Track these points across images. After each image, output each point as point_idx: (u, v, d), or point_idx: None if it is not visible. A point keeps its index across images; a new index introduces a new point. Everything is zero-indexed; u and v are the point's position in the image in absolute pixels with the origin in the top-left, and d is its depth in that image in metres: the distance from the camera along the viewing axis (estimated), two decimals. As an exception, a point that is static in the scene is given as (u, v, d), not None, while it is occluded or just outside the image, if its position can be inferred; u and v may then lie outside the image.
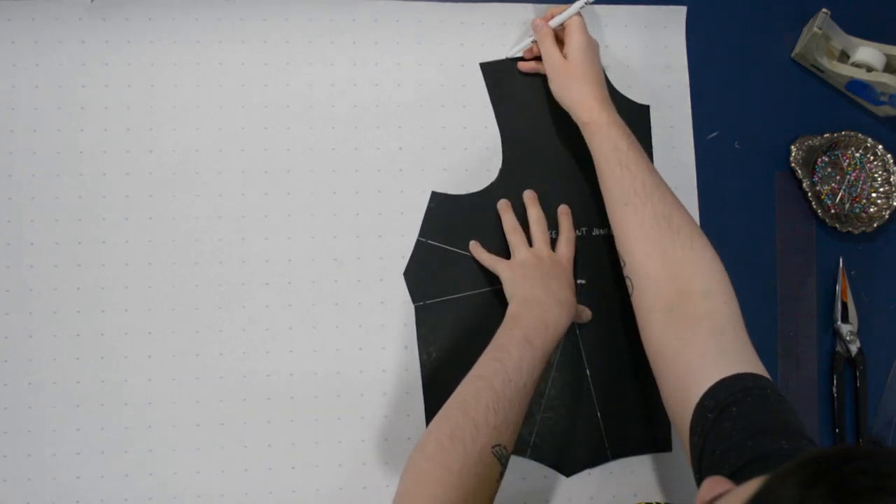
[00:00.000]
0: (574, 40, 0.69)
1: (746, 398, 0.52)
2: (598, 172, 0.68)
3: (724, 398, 0.52)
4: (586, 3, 0.70)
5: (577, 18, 0.70)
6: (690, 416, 0.54)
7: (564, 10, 0.70)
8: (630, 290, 0.64)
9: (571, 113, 0.70)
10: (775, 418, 0.51)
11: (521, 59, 0.75)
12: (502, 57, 0.76)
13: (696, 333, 0.57)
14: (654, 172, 0.65)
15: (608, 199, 0.67)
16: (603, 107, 0.67)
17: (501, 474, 0.56)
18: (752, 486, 0.33)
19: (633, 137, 0.66)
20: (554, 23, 0.71)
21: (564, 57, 0.69)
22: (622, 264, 0.65)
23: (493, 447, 0.55)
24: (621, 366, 0.73)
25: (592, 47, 0.70)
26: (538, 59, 0.73)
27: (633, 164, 0.64)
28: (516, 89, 0.75)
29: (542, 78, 0.75)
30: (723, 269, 0.61)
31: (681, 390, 0.56)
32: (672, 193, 0.64)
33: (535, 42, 0.73)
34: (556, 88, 0.71)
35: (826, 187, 0.79)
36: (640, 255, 0.62)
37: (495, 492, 0.56)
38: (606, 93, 0.69)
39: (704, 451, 0.52)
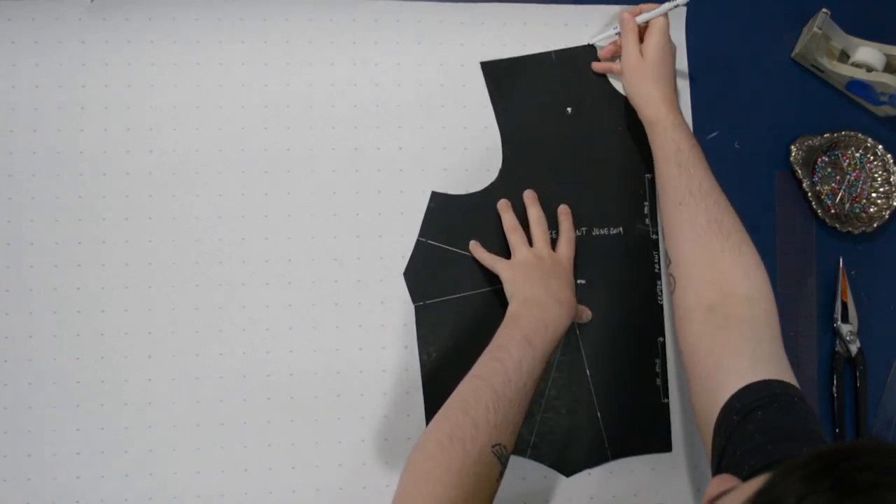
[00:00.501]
0: (654, 40, 0.70)
1: (773, 404, 0.52)
2: (656, 171, 0.70)
3: (752, 402, 0.53)
4: (675, 6, 0.70)
5: (661, 19, 0.71)
6: (716, 416, 0.54)
7: (653, 9, 0.71)
8: (671, 288, 0.65)
9: (638, 110, 0.71)
10: (799, 426, 0.52)
11: (601, 47, 0.76)
12: (584, 42, 0.76)
13: (732, 335, 0.58)
14: (711, 177, 0.66)
15: (663, 198, 0.68)
16: (670, 108, 0.69)
17: (501, 473, 0.56)
18: (757, 482, 0.33)
19: (695, 141, 0.68)
20: (640, 19, 0.72)
21: (641, 55, 0.71)
22: (667, 262, 0.67)
23: (492, 446, 0.55)
24: (621, 366, 0.73)
25: (670, 50, 0.71)
26: (613, 58, 0.75)
27: (692, 166, 0.66)
28: (516, 89, 0.75)
29: (542, 78, 0.76)
30: (767, 278, 0.62)
31: (710, 389, 0.57)
32: (726, 199, 0.65)
33: (619, 34, 0.73)
34: (628, 85, 0.72)
35: (826, 187, 0.79)
36: (687, 255, 0.64)
37: (495, 491, 0.56)
38: (675, 96, 0.71)
39: (726, 451, 0.52)
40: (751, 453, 0.50)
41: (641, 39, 0.72)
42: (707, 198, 0.64)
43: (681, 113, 0.70)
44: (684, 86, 0.77)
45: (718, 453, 0.53)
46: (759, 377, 0.54)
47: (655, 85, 0.70)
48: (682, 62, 0.78)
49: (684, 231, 0.64)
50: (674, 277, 0.65)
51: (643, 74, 0.70)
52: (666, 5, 0.70)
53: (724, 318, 0.59)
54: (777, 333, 0.59)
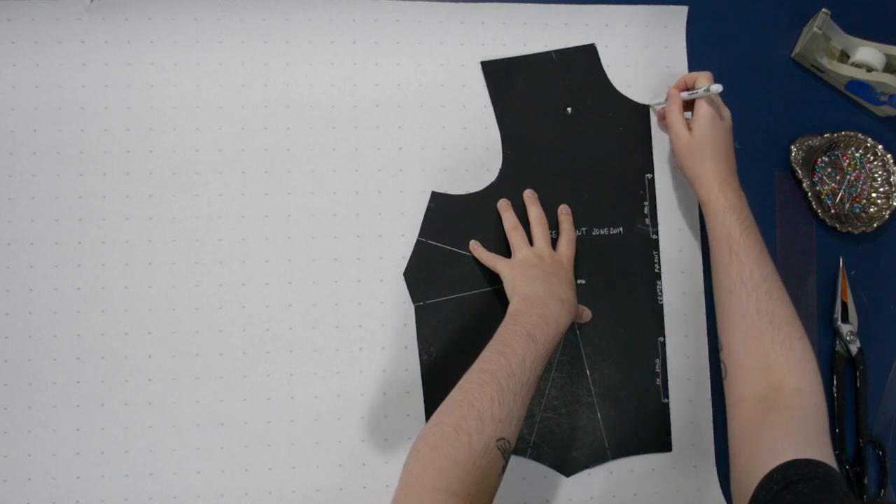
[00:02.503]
0: (701, 114, 0.68)
1: (814, 480, 0.53)
2: (710, 253, 0.69)
3: (794, 475, 0.53)
4: (709, 93, 0.67)
5: (710, 83, 0.69)
6: (755, 486, 0.55)
7: (699, 85, 0.69)
8: (724, 375, 0.66)
9: (693, 189, 0.70)
10: None
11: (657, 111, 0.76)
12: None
13: (780, 419, 0.59)
14: (765, 263, 0.65)
15: (715, 283, 0.68)
16: (721, 188, 0.67)
17: (504, 469, 0.56)
18: None
19: (749, 222, 0.66)
20: (685, 95, 0.71)
21: (690, 129, 0.69)
22: (720, 348, 0.67)
23: (497, 440, 0.55)
24: (621, 366, 0.73)
25: (720, 123, 0.69)
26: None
27: (743, 253, 0.65)
28: (516, 89, 0.75)
29: (542, 78, 0.76)
30: (817, 370, 0.62)
31: (752, 462, 0.57)
32: (780, 287, 0.65)
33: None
34: (679, 162, 0.71)
35: (826, 187, 0.79)
36: (738, 346, 0.64)
37: (497, 487, 0.56)
38: (729, 171, 0.68)
39: None
40: None
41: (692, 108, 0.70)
42: (758, 287, 0.63)
43: (735, 191, 0.67)
44: (684, 86, 0.78)
45: None
46: (803, 456, 0.55)
47: (707, 162, 0.68)
48: (682, 62, 0.78)
49: (735, 321, 0.64)
50: (725, 365, 0.65)
51: (691, 150, 0.69)
52: (700, 91, 0.69)
53: (773, 406, 0.60)
54: (825, 425, 0.59)
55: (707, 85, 0.68)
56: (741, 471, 0.59)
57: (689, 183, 0.70)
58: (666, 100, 0.73)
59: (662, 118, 0.75)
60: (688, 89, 0.72)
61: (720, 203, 0.67)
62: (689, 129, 0.70)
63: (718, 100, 0.69)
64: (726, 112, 0.70)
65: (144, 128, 0.71)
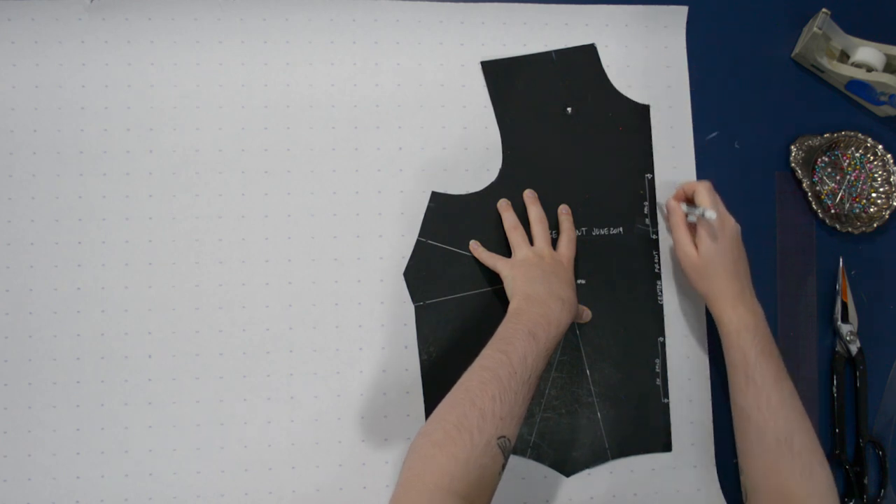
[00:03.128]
0: (703, 233, 0.67)
1: None
2: (727, 373, 0.68)
3: None
4: (703, 216, 0.66)
5: (708, 201, 0.67)
6: None
7: (698, 198, 0.68)
8: (744, 498, 0.66)
9: (706, 304, 0.69)
10: None
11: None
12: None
13: None
14: (783, 386, 0.64)
15: (733, 404, 0.67)
16: (734, 306, 0.66)
17: (503, 467, 0.56)
18: None
19: (765, 342, 0.65)
20: (684, 208, 0.70)
21: (696, 245, 0.68)
22: (740, 471, 0.67)
23: (498, 438, 0.55)
24: (621, 366, 0.73)
25: (724, 239, 0.67)
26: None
27: (760, 377, 0.64)
28: (516, 89, 0.75)
29: (542, 78, 0.76)
30: (836, 496, 0.62)
31: None
32: (799, 410, 0.64)
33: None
34: (688, 279, 0.70)
35: (826, 187, 0.79)
36: (756, 472, 0.64)
37: (496, 486, 0.56)
38: (740, 286, 0.67)
39: None
40: None
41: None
42: (776, 413, 0.63)
43: (750, 307, 0.66)
44: (684, 86, 0.77)
45: None
46: None
47: (713, 281, 0.67)
48: (682, 62, 0.78)
49: (753, 446, 0.64)
50: (745, 489, 0.65)
51: (699, 271, 0.68)
52: (696, 212, 0.67)
53: None
54: None
55: (703, 209, 0.66)
56: None
57: (703, 297, 0.69)
58: (667, 212, 0.72)
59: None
60: (687, 199, 0.71)
61: (734, 324, 0.66)
62: (696, 245, 0.69)
63: (722, 210, 0.68)
64: (730, 223, 0.68)
65: (144, 128, 0.71)
